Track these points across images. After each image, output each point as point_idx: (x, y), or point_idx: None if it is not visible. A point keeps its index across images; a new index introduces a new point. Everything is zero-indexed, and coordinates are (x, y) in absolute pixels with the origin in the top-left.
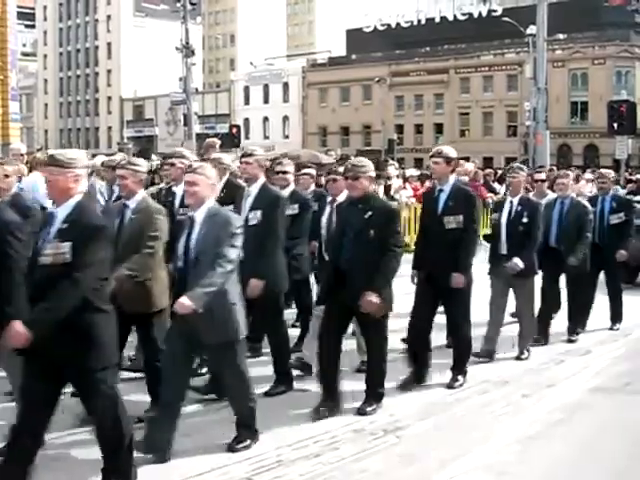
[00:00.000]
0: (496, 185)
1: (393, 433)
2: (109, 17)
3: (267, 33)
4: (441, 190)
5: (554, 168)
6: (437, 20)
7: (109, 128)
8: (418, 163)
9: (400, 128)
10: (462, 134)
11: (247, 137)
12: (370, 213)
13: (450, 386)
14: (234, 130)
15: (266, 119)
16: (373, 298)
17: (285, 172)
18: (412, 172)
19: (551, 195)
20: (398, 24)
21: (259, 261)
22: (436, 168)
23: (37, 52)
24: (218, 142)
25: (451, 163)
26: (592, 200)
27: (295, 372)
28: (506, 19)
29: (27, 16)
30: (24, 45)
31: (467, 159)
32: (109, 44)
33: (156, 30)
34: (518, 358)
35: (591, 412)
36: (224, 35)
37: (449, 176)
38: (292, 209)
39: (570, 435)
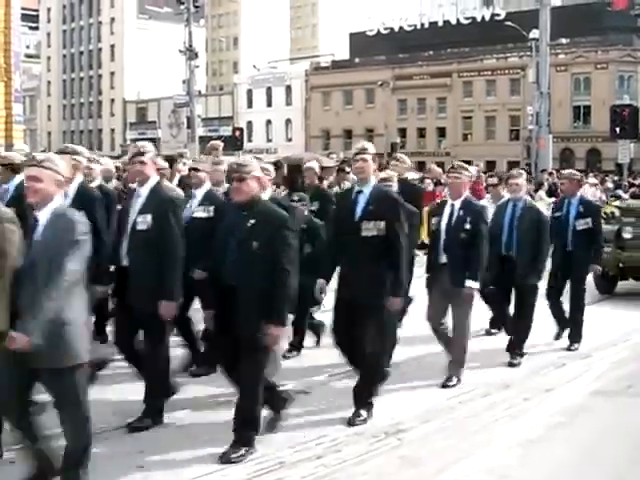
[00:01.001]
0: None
1: (395, 436)
2: (113, 19)
3: (270, 36)
4: (360, 192)
5: (554, 172)
6: (440, 24)
7: (112, 130)
8: (421, 167)
9: (403, 132)
10: (465, 138)
11: (250, 140)
12: (253, 221)
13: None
14: (237, 133)
15: (269, 122)
16: (273, 332)
17: (197, 170)
18: (413, 175)
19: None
20: (401, 28)
21: (157, 276)
22: (364, 167)
23: (40, 54)
24: (221, 144)
25: (374, 161)
26: (557, 204)
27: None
28: (509, 23)
29: (31, 18)
30: (27, 47)
31: (470, 163)
32: (112, 46)
33: (159, 33)
34: (444, 386)
35: (592, 416)
36: (227, 38)
37: (372, 176)
38: (207, 211)
39: (571, 438)
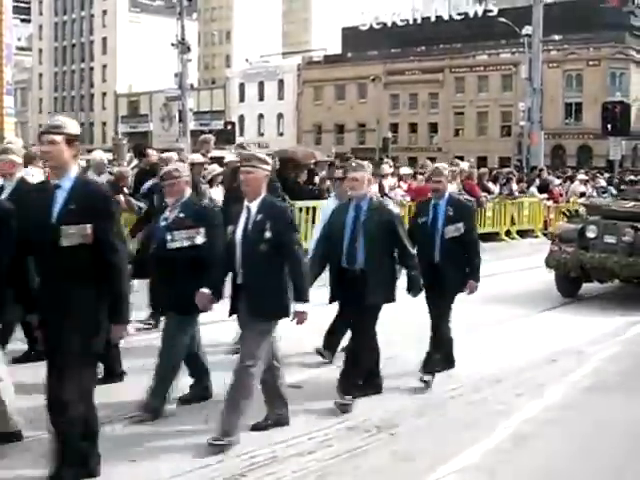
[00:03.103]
0: (490, 185)
1: (387, 430)
2: (105, 12)
3: (263, 30)
4: (58, 186)
5: (544, 168)
6: (433, 19)
7: (104, 123)
8: (412, 162)
9: (395, 127)
10: (456, 133)
11: (242, 134)
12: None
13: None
14: (229, 127)
15: (261, 116)
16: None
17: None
18: (406, 170)
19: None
20: (394, 23)
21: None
22: (51, 151)
23: (32, 46)
24: (212, 138)
25: (73, 144)
26: (422, 206)
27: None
28: (501, 19)
29: (23, 10)
30: (19, 39)
31: (461, 158)
32: (104, 39)
33: (152, 26)
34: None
35: (584, 411)
36: (220, 32)
37: (70, 164)
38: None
39: (563, 434)
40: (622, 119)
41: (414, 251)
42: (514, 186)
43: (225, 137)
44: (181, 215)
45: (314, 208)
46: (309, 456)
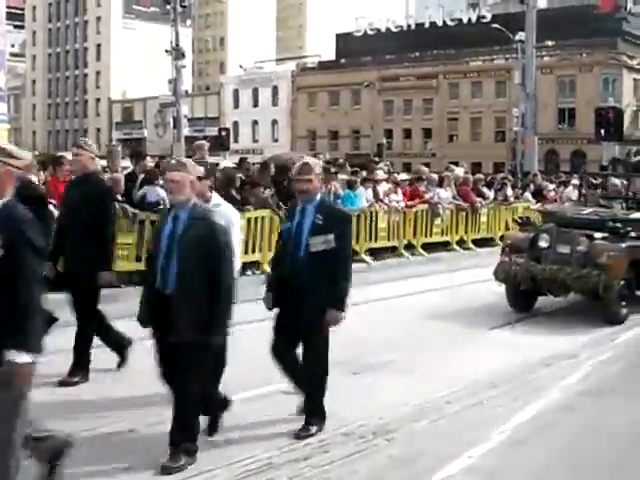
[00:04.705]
0: (485, 190)
1: (382, 436)
2: (99, 18)
3: (257, 36)
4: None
5: (538, 173)
6: (427, 25)
7: (98, 130)
8: (407, 167)
9: (389, 132)
10: (450, 139)
11: (236, 140)
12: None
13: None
14: (223, 133)
15: (255, 122)
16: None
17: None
18: (403, 176)
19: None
20: (388, 29)
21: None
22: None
23: (26, 53)
24: (206, 144)
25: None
26: (290, 210)
27: None
28: (495, 25)
29: (16, 16)
30: (12, 45)
31: (456, 164)
32: (98, 45)
33: (146, 32)
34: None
35: (579, 415)
36: (214, 38)
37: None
38: None
39: (558, 438)
40: (615, 124)
41: (232, 279)
42: (509, 191)
43: (219, 143)
44: None
45: None
46: (304, 462)
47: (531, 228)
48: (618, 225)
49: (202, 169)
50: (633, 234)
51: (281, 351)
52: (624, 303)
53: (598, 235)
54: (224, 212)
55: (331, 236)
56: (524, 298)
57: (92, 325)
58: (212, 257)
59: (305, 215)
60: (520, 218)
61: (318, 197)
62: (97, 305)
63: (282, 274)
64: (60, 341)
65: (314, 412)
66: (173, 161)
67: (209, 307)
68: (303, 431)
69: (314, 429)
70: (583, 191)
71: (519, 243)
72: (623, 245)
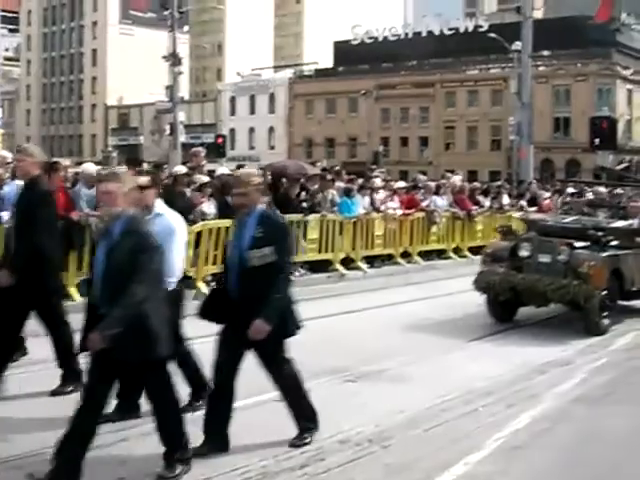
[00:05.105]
0: (481, 198)
1: (379, 444)
2: (95, 23)
3: (254, 44)
4: None
5: (533, 181)
6: (424, 34)
7: (93, 136)
8: (403, 175)
9: (386, 141)
10: (447, 147)
11: (233, 147)
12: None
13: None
14: (220, 140)
15: (252, 130)
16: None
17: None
18: (400, 184)
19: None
20: (385, 38)
21: None
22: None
23: (20, 57)
24: (203, 151)
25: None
26: (235, 223)
27: None
28: (492, 35)
29: (11, 20)
30: (7, 50)
31: (452, 172)
32: (94, 51)
33: (143, 38)
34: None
35: (574, 422)
36: (211, 45)
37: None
38: None
39: (554, 444)
40: (609, 133)
41: (142, 296)
42: (505, 199)
43: (216, 150)
44: None
45: (305, 222)
46: (300, 470)
47: (512, 237)
48: (600, 234)
49: (146, 178)
50: (615, 243)
51: (227, 368)
52: (606, 314)
53: (579, 244)
54: (165, 221)
55: (270, 249)
56: (505, 308)
57: (64, 330)
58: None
59: (245, 228)
60: (501, 227)
61: (258, 209)
62: (60, 308)
63: (225, 289)
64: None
65: (301, 423)
66: (105, 172)
67: (146, 329)
68: (298, 439)
69: (309, 438)
70: (567, 199)
71: (500, 252)
72: (604, 254)
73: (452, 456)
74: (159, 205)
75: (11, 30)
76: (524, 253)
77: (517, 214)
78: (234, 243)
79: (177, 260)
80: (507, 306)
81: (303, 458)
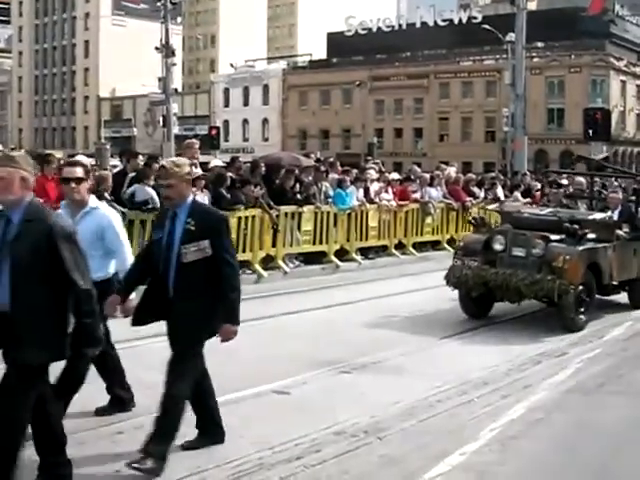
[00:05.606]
0: (476, 189)
1: (374, 435)
2: (87, 14)
3: (248, 35)
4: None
5: (527, 173)
6: (418, 26)
7: (86, 128)
8: (397, 167)
9: (380, 132)
10: (441, 139)
11: (226, 139)
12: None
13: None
14: (213, 132)
15: (246, 121)
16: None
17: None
18: (394, 176)
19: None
20: (379, 29)
21: None
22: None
23: (12, 49)
24: (197, 143)
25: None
26: (159, 217)
27: None
28: (486, 26)
29: (2, 11)
30: None
31: (447, 163)
32: (87, 42)
33: (135, 29)
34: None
35: (569, 412)
36: (205, 36)
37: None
38: None
39: (549, 434)
40: (603, 125)
41: (89, 285)
42: (499, 191)
43: (210, 142)
44: None
45: (299, 214)
46: (296, 462)
47: (485, 229)
48: (575, 226)
49: (80, 170)
50: (593, 236)
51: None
52: (582, 309)
53: (555, 237)
54: (101, 213)
55: (206, 242)
56: (478, 304)
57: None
58: (54, 264)
59: (176, 222)
60: (474, 218)
61: (189, 200)
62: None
63: (154, 288)
64: None
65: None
66: None
67: (58, 326)
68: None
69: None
70: (546, 190)
71: (472, 245)
72: (580, 248)
73: (448, 446)
74: (92, 199)
75: (2, 21)
76: (498, 247)
77: (491, 206)
78: (165, 239)
79: (127, 249)
80: (481, 302)
81: (299, 450)
